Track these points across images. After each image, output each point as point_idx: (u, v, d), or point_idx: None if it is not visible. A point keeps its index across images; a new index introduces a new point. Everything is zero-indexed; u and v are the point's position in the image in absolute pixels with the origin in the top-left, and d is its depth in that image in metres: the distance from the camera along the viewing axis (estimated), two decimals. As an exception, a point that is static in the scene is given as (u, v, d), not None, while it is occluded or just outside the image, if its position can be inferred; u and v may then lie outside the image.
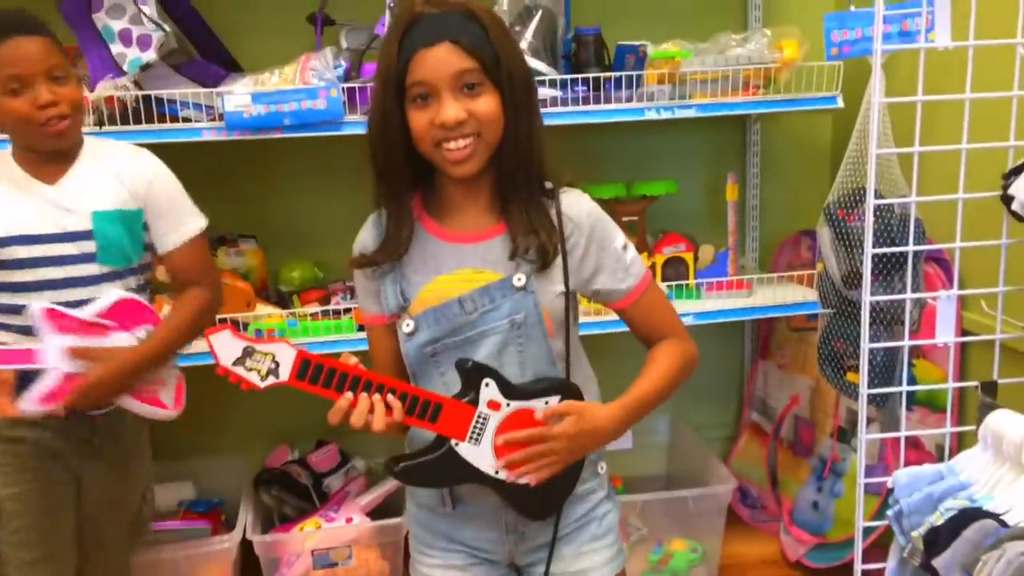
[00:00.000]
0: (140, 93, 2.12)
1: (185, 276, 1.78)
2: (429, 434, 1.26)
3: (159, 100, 2.15)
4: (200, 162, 2.14)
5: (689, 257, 2.56)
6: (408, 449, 1.35)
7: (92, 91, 2.07)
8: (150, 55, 2.08)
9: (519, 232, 1.24)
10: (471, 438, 1.23)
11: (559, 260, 1.26)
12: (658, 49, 2.28)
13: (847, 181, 1.96)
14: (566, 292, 1.27)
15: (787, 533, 2.67)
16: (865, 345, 1.75)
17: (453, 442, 1.23)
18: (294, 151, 2.39)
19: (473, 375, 1.22)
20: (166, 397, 1.74)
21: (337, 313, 2.35)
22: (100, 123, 2.06)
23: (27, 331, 1.64)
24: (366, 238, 1.33)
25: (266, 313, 2.29)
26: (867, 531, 1.85)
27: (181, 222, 1.76)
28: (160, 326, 1.72)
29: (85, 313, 1.64)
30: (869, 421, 1.81)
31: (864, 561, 1.83)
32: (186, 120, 2.18)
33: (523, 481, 1.24)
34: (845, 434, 2.60)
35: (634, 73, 2.31)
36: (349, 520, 2.39)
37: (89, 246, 1.67)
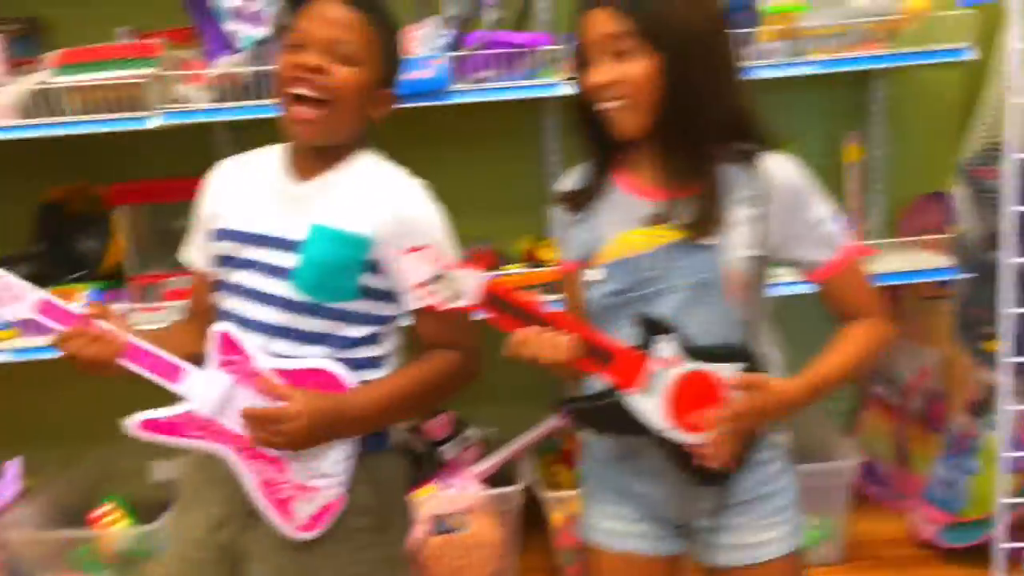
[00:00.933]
0: (255, 69, 2.16)
1: (434, 339, 1.41)
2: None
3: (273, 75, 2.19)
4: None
5: (809, 222, 2.44)
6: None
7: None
8: (262, 31, 2.13)
9: (706, 195, 1.23)
10: (643, 390, 1.21)
11: (750, 223, 1.24)
12: (773, 3, 2.18)
13: (984, 136, 1.83)
14: (755, 257, 1.25)
15: (918, 511, 2.54)
16: (1007, 311, 1.63)
17: (624, 392, 1.22)
18: (402, 122, 2.39)
19: (653, 328, 1.21)
20: (304, 510, 1.36)
21: (448, 284, 2.35)
22: (221, 99, 2.10)
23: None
24: (566, 182, 1.36)
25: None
26: (1007, 509, 1.73)
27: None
28: (395, 375, 1.40)
29: (264, 363, 1.33)
30: (1010, 393, 1.69)
31: (1005, 540, 1.72)
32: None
33: (695, 438, 1.21)
34: (981, 407, 2.45)
35: (747, 30, 2.21)
36: (464, 488, 2.41)
37: (288, 259, 1.34)
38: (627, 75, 1.18)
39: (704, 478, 1.27)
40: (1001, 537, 1.71)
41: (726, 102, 1.23)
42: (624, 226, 1.27)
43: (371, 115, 1.40)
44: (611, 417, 1.23)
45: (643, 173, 1.28)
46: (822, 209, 1.28)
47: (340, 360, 1.35)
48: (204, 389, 1.33)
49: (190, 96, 2.20)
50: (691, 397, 1.21)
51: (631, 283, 1.26)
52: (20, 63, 2.31)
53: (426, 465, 2.54)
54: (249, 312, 1.36)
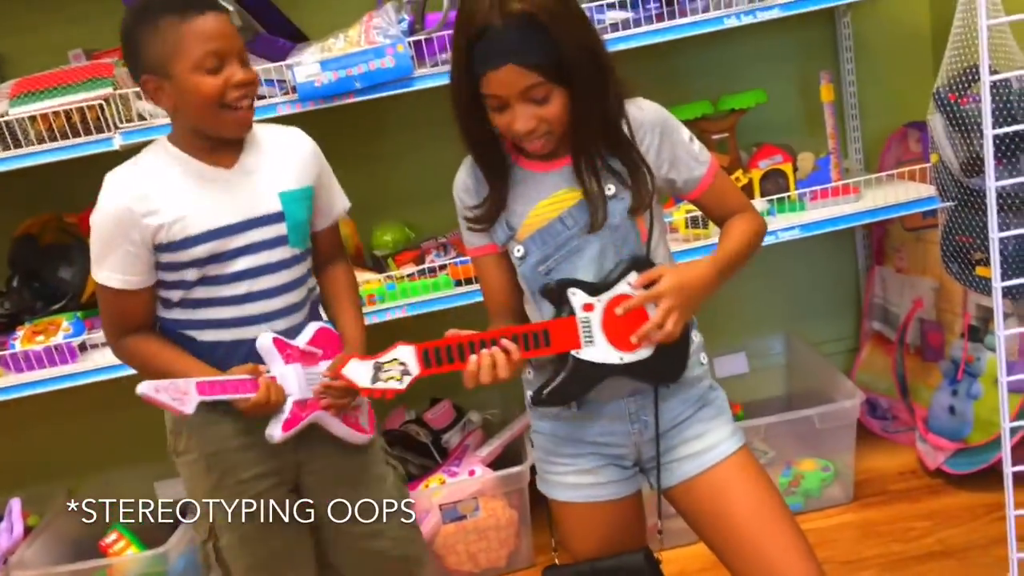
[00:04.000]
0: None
1: (330, 252, 1.73)
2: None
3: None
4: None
5: (787, 168, 2.43)
6: (525, 385, 1.49)
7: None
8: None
9: (601, 155, 1.37)
10: (585, 343, 1.34)
11: (637, 166, 1.38)
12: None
13: (956, 62, 1.81)
14: (649, 192, 1.39)
15: (924, 441, 2.55)
16: (994, 235, 1.62)
17: (574, 353, 1.35)
18: (369, 114, 2.37)
19: (557, 292, 1.36)
20: (364, 421, 1.69)
21: (433, 271, 2.34)
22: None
23: (224, 324, 1.57)
24: (465, 179, 1.44)
25: (364, 280, 2.29)
26: (1012, 431, 1.74)
27: (336, 197, 1.71)
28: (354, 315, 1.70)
29: (300, 341, 1.60)
30: (1005, 316, 1.68)
31: (1012, 463, 1.72)
32: (261, 98, 2.18)
33: (649, 350, 1.36)
34: (977, 332, 2.46)
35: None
36: (472, 473, 2.41)
37: (280, 229, 1.57)
38: (547, 115, 1.30)
39: (668, 376, 1.42)
40: (1007, 459, 1.71)
41: (616, 89, 1.35)
42: (534, 200, 1.39)
43: None
44: (578, 381, 1.37)
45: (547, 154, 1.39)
46: (684, 133, 1.42)
47: (308, 289, 1.65)
48: (291, 382, 1.55)
49: (150, 112, 2.16)
50: (624, 321, 1.35)
51: (551, 249, 1.38)
52: (-27, 98, 2.26)
53: (431, 454, 2.54)
54: (262, 284, 1.56)
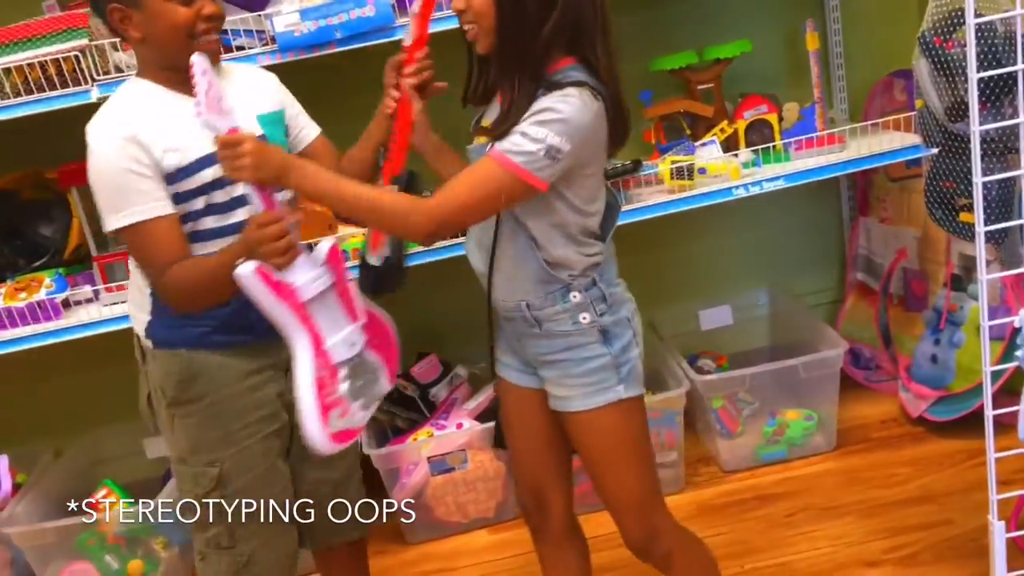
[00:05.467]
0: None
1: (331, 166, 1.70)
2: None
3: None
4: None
5: (773, 118, 2.42)
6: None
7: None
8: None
9: (501, 107, 1.43)
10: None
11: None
12: None
13: (941, 6, 1.79)
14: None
15: (906, 390, 2.58)
16: (978, 179, 1.61)
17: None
18: (346, 66, 2.33)
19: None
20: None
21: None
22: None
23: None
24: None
25: (349, 233, 2.28)
26: (994, 377, 1.75)
27: (306, 122, 1.75)
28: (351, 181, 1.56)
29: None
30: (987, 262, 1.69)
31: (993, 408, 1.74)
32: (240, 49, 2.15)
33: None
34: (959, 281, 2.48)
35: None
36: (460, 426, 2.42)
37: None
38: (472, 4, 1.39)
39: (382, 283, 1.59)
40: (988, 404, 1.73)
41: (543, 32, 1.37)
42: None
43: None
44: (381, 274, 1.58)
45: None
46: (535, 130, 1.37)
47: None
48: (311, 278, 1.44)
49: (127, 63, 2.12)
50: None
51: None
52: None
53: (419, 408, 2.55)
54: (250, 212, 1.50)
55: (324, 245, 1.48)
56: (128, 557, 2.34)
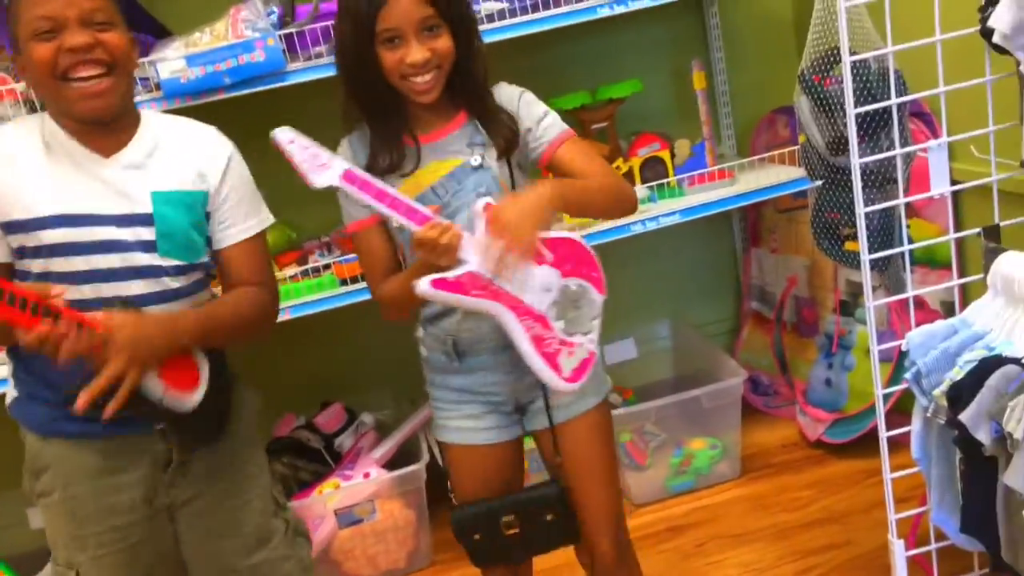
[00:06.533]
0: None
1: (240, 278, 1.52)
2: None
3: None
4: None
5: (665, 155, 2.49)
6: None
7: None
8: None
9: (472, 124, 1.51)
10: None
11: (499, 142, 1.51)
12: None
13: (818, 44, 1.88)
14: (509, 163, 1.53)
15: (803, 414, 2.66)
16: (860, 210, 1.69)
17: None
18: (240, 111, 2.28)
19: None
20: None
21: (316, 271, 2.28)
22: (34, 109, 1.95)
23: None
24: (348, 156, 1.49)
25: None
26: (885, 398, 1.82)
27: (248, 215, 1.52)
28: (216, 302, 1.49)
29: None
30: (873, 288, 1.76)
31: (886, 428, 1.81)
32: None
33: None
34: (847, 306, 2.58)
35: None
36: (367, 475, 2.35)
37: (148, 233, 1.40)
38: (438, 49, 1.42)
39: None
40: (882, 425, 1.80)
41: (484, 57, 1.51)
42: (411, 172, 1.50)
43: (135, 68, 1.45)
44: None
45: (419, 123, 1.51)
46: (541, 108, 1.54)
47: (195, 305, 1.47)
48: (475, 252, 1.39)
49: (4, 113, 2.02)
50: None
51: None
52: None
53: (323, 459, 2.47)
54: (119, 291, 1.39)
55: (478, 207, 1.41)
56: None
